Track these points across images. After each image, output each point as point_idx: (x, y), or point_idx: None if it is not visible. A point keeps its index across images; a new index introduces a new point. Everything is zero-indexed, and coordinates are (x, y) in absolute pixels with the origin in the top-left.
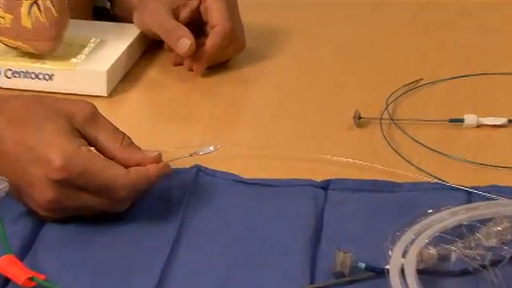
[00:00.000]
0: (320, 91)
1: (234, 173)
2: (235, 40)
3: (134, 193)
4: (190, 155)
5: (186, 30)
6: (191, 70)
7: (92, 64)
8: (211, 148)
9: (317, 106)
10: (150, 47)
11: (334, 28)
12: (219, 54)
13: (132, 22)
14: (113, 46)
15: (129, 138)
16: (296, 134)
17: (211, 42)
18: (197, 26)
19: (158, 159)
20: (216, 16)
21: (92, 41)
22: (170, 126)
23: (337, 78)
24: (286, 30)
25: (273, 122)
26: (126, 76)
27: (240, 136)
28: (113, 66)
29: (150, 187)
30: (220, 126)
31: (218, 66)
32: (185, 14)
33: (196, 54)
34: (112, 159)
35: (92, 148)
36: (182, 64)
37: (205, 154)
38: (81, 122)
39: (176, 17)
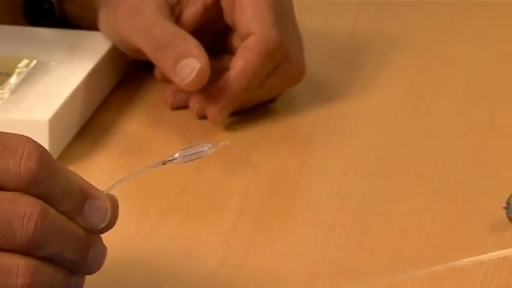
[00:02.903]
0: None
1: None
2: (287, 61)
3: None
4: (164, 163)
5: (192, 43)
6: (203, 116)
7: (23, 108)
8: (205, 148)
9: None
10: (128, 74)
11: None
12: (257, 88)
13: (95, 28)
14: (60, 73)
15: None
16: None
17: (241, 63)
18: (214, 34)
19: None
20: (251, 16)
21: (22, 64)
22: (164, 227)
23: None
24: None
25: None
26: (85, 129)
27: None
28: (60, 112)
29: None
30: (257, 229)
31: (255, 108)
32: (192, 12)
33: (213, 87)
34: None
35: None
36: (185, 106)
37: (192, 159)
38: None
39: (176, 17)
